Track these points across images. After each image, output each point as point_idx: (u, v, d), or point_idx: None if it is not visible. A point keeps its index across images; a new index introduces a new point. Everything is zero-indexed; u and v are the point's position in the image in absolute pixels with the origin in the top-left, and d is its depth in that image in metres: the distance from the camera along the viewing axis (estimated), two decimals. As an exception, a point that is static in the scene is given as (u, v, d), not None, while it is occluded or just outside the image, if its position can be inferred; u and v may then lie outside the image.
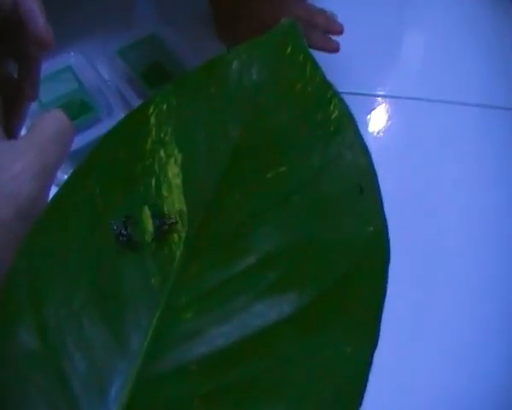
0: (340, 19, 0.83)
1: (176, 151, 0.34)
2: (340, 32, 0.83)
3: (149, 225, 0.31)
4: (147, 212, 0.32)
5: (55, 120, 0.32)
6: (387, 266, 0.32)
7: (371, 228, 0.33)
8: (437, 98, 0.92)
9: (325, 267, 0.31)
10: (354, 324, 0.30)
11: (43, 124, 0.31)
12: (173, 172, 0.33)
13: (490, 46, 1.00)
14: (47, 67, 0.77)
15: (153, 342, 0.28)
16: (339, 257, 0.32)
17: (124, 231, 0.30)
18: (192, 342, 0.29)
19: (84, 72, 0.79)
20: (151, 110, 0.35)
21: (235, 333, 0.29)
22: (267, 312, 0.29)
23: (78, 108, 0.73)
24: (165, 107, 0.36)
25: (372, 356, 0.29)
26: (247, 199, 0.33)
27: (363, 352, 0.29)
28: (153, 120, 0.35)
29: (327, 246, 0.32)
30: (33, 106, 0.70)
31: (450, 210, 0.82)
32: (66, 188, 0.32)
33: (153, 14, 0.98)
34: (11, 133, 0.42)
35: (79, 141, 0.67)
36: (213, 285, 0.30)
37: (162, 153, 0.34)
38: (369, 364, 0.29)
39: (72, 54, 0.80)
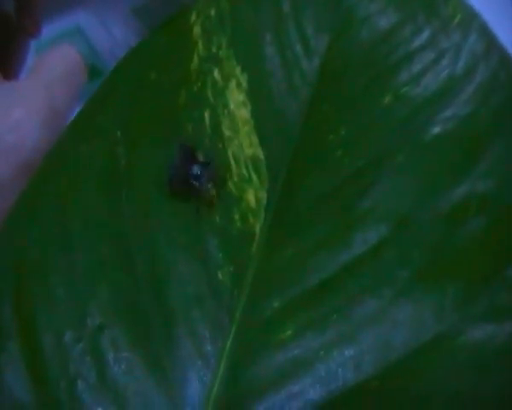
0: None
1: (237, 70, 0.22)
2: None
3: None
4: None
5: (64, 55, 0.27)
6: None
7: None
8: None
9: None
10: None
11: (49, 61, 0.26)
12: (237, 100, 0.21)
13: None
14: (52, 27, 0.67)
15: (227, 386, 0.16)
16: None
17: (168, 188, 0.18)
18: (296, 380, 0.16)
19: (95, 32, 0.69)
20: (193, 18, 0.23)
21: (368, 360, 0.16)
22: (420, 318, 0.17)
23: (89, 74, 0.61)
24: (213, 12, 0.23)
25: None
26: (360, 135, 0.20)
27: None
28: (197, 30, 0.23)
29: (496, 206, 0.19)
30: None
31: None
32: (71, 132, 0.20)
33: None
34: (10, 77, 0.36)
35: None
36: (322, 279, 0.17)
37: (217, 74, 0.21)
38: None
39: (81, 12, 0.70)
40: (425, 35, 0.25)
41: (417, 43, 0.25)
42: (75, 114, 0.22)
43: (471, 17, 0.26)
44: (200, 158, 0.19)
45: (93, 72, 0.65)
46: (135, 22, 0.73)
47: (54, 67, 0.26)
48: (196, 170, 0.18)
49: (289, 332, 0.17)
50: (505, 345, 0.17)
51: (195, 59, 0.22)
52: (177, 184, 0.19)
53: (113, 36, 0.71)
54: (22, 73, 0.40)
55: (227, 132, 0.20)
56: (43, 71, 0.26)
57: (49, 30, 0.63)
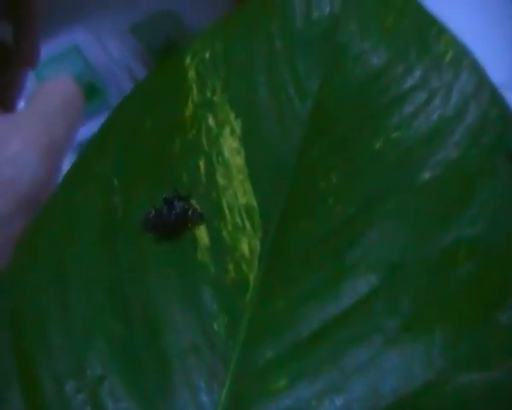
0: None
1: (232, 116, 0.22)
2: None
3: (203, 234, 0.19)
4: (196, 211, 0.20)
5: (61, 86, 0.27)
6: None
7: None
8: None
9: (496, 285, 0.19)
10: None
11: (46, 91, 0.26)
12: (231, 147, 0.21)
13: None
14: (50, 46, 0.66)
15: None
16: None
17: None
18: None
19: (92, 51, 0.69)
20: (188, 61, 0.24)
21: (357, 409, 0.17)
22: (408, 366, 0.17)
23: (86, 92, 0.61)
24: (207, 55, 0.24)
25: None
26: (351, 181, 0.21)
27: None
28: (192, 74, 0.23)
29: (484, 250, 0.20)
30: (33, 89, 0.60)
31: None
32: (68, 180, 0.20)
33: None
34: (8, 107, 0.36)
35: (88, 129, 0.55)
36: (313, 329, 0.18)
37: (211, 120, 0.22)
38: None
39: (78, 31, 0.70)
40: (417, 74, 0.26)
41: (409, 82, 0.25)
42: (71, 159, 0.23)
43: (462, 54, 0.27)
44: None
45: (90, 90, 0.65)
46: (132, 40, 0.73)
47: (51, 99, 0.26)
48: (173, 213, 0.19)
49: (282, 382, 0.17)
50: (493, 391, 0.18)
51: (190, 105, 0.23)
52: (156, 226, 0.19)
53: (111, 54, 0.71)
54: (20, 100, 0.40)
55: (221, 181, 0.21)
56: (40, 102, 0.26)
57: (46, 49, 0.64)
